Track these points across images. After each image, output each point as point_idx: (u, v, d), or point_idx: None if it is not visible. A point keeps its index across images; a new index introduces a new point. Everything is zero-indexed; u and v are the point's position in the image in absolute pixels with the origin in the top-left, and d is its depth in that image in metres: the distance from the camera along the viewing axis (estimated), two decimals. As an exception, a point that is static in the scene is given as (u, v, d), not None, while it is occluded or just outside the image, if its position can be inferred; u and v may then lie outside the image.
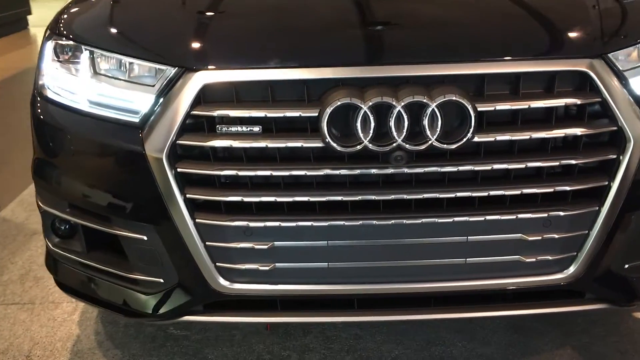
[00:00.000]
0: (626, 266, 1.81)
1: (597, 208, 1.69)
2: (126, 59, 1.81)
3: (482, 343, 2.32)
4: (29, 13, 9.21)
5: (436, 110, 1.58)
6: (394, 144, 1.61)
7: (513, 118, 1.67)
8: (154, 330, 2.45)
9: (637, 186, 1.67)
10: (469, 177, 1.68)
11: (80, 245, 1.93)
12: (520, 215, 1.67)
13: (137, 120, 1.74)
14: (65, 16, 2.03)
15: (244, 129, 1.66)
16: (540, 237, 1.69)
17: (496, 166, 1.64)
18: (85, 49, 1.86)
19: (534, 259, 1.72)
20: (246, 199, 1.68)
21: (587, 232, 1.72)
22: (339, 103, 1.59)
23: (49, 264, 2.10)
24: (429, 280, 1.76)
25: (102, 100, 1.82)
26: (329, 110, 1.60)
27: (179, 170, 1.69)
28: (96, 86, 1.83)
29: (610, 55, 1.68)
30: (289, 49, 1.71)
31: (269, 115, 1.65)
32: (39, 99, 1.96)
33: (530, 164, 1.64)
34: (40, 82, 1.97)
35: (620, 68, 1.68)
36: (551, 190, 1.66)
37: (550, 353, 2.27)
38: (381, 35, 1.74)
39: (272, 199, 1.67)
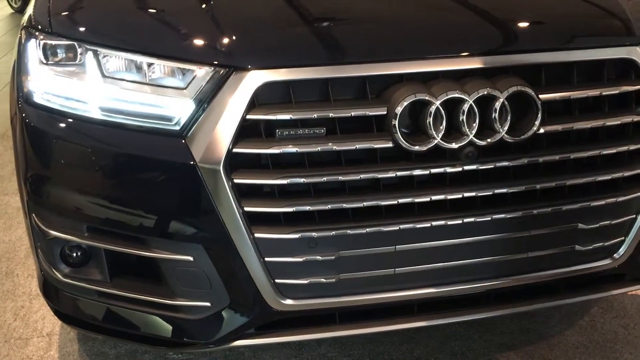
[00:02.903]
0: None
1: (645, 193, 1.75)
2: (146, 59, 1.59)
3: (497, 333, 2.33)
4: None
5: (505, 102, 1.55)
6: (466, 140, 1.55)
7: (567, 108, 1.67)
8: (152, 358, 2.22)
9: None
10: (531, 170, 1.66)
11: (100, 272, 1.69)
12: (582, 204, 1.68)
13: (176, 128, 1.55)
14: (52, 8, 1.75)
15: (307, 131, 1.52)
16: (597, 225, 1.71)
17: (561, 156, 1.64)
18: (88, 49, 1.62)
19: (589, 247, 1.74)
20: (312, 208, 1.54)
21: (635, 216, 1.76)
22: (411, 100, 1.51)
23: (49, 296, 1.82)
24: (492, 277, 1.72)
25: (119, 107, 1.60)
26: (399, 108, 1.51)
27: (235, 181, 1.52)
28: (110, 91, 1.60)
29: None
30: (353, 43, 1.59)
31: (333, 115, 1.53)
32: (29, 107, 1.68)
33: (592, 153, 1.65)
34: (27, 89, 1.69)
35: None
36: (609, 177, 1.68)
37: (562, 334, 2.33)
38: (441, 28, 1.67)
39: (339, 205, 1.55)
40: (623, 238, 1.79)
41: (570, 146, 1.66)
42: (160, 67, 1.59)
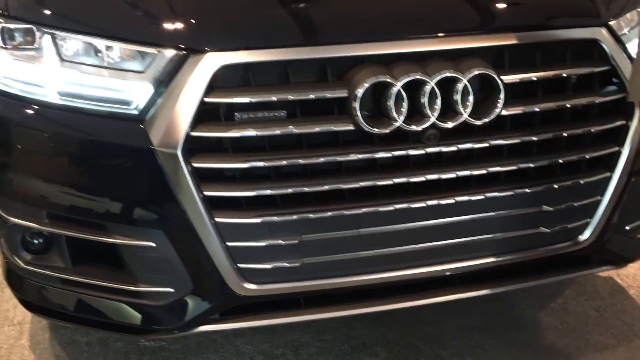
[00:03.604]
0: (627, 227, 1.88)
1: (609, 174, 1.74)
2: (104, 42, 1.57)
3: (469, 317, 2.34)
4: None
5: (468, 84, 1.54)
6: (429, 123, 1.54)
7: (531, 90, 1.66)
8: (124, 345, 2.21)
9: None
10: (494, 152, 1.66)
11: (61, 260, 1.67)
12: (546, 186, 1.67)
13: (134, 112, 1.53)
14: None
15: (267, 114, 1.51)
16: (562, 207, 1.71)
17: (525, 138, 1.63)
18: (45, 32, 1.60)
19: (555, 229, 1.74)
20: (273, 192, 1.53)
21: (600, 198, 1.76)
22: (372, 82, 1.49)
23: (12, 283, 1.80)
24: (458, 260, 1.72)
25: (77, 91, 1.58)
26: (360, 91, 1.50)
27: (194, 165, 1.50)
28: (68, 75, 1.58)
29: (611, 23, 1.72)
30: (313, 25, 1.57)
31: (292, 98, 1.51)
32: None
33: (555, 134, 1.65)
34: (-14, 75, 1.67)
35: (619, 34, 1.73)
36: (572, 159, 1.68)
37: (535, 317, 2.34)
38: (403, 9, 1.66)
39: (300, 189, 1.54)
40: (588, 220, 1.79)
41: (534, 128, 1.66)
42: (118, 50, 1.56)
